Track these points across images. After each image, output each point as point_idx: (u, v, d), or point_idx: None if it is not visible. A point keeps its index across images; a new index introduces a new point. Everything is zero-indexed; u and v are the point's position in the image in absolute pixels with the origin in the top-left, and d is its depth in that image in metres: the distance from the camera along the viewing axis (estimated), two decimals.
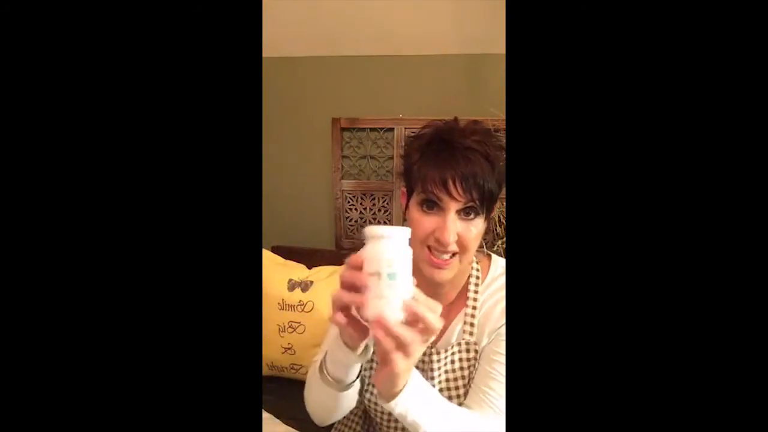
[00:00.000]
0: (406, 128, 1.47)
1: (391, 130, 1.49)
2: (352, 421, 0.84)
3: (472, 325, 0.67)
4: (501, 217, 1.37)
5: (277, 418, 0.76)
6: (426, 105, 1.46)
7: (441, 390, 0.67)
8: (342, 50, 1.48)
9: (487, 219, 0.61)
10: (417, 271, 0.69)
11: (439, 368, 0.66)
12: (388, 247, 0.44)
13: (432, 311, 0.46)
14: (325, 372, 0.61)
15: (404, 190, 0.66)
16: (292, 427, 0.73)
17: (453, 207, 0.58)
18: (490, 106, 1.32)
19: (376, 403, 0.70)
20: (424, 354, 0.67)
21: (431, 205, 0.59)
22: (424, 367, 0.67)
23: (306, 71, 1.54)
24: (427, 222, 0.59)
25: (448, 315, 0.69)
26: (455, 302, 0.70)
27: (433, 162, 0.58)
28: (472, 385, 0.66)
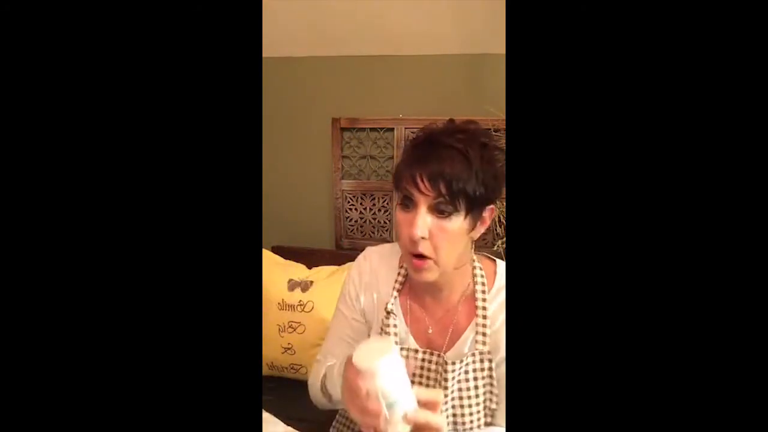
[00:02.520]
0: (406, 128, 1.47)
1: (391, 130, 1.49)
2: (351, 420, 0.84)
3: (484, 335, 0.66)
4: (501, 217, 1.37)
5: (277, 418, 0.76)
6: (426, 105, 1.46)
7: (453, 399, 0.66)
8: (342, 50, 1.48)
9: (470, 219, 0.60)
10: (409, 275, 0.70)
11: (453, 378, 0.65)
12: (382, 380, 0.46)
13: (433, 409, 0.49)
14: (326, 391, 0.63)
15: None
16: (292, 427, 0.73)
17: (423, 202, 0.58)
18: (490, 106, 1.32)
19: None
20: (439, 365, 0.67)
21: (407, 202, 0.60)
22: (438, 378, 0.66)
23: (306, 71, 1.54)
24: (404, 220, 0.60)
25: (458, 324, 0.69)
26: (463, 310, 0.69)
27: (409, 161, 0.60)
28: (499, 403, 0.66)
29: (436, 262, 0.61)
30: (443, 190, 0.57)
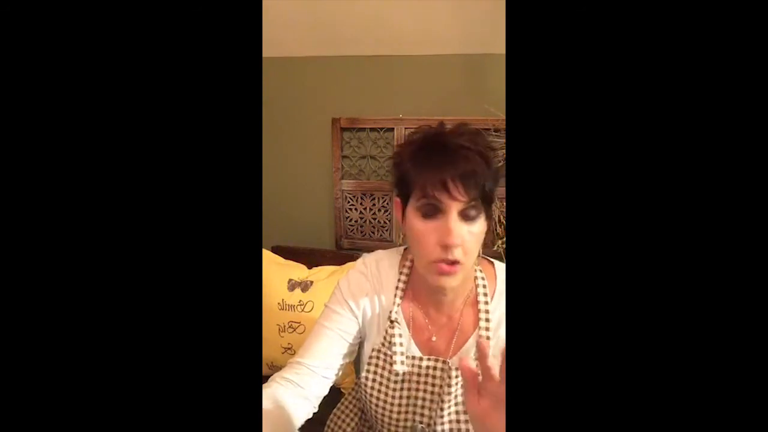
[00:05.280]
0: (406, 128, 1.47)
1: (391, 130, 1.49)
2: (349, 416, 0.84)
3: (488, 338, 0.65)
4: (501, 217, 1.37)
5: None
6: (426, 105, 1.46)
7: (456, 405, 0.66)
8: (342, 50, 1.48)
9: (488, 220, 0.60)
10: (423, 283, 0.67)
11: (457, 384, 0.65)
12: None
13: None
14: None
15: (398, 200, 0.64)
16: None
17: (454, 208, 0.56)
18: (490, 106, 1.32)
19: (383, 407, 0.69)
20: (444, 371, 0.66)
21: (432, 210, 0.57)
22: (442, 384, 0.66)
23: (306, 71, 1.54)
24: (429, 229, 0.58)
25: (462, 330, 0.68)
26: (466, 315, 0.68)
27: (429, 164, 0.57)
28: None
29: (463, 266, 0.59)
30: (476, 194, 0.56)
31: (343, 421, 0.84)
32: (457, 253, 0.57)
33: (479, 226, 0.59)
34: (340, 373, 0.71)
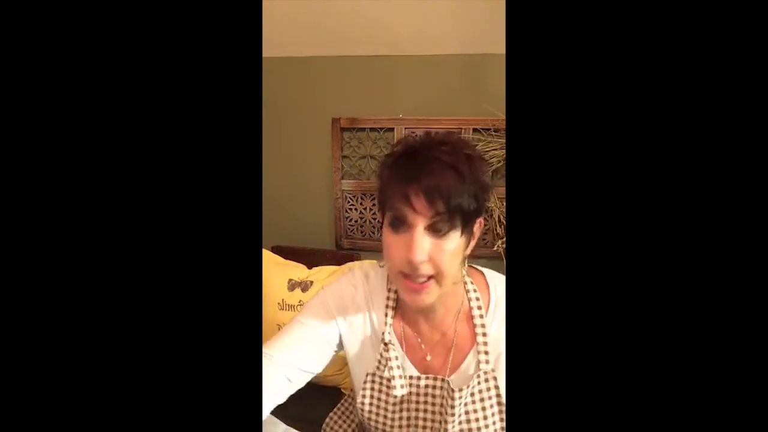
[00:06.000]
0: (406, 128, 1.47)
1: (391, 130, 1.49)
2: (347, 419, 0.83)
3: (486, 353, 0.63)
4: (501, 217, 1.37)
5: (277, 417, 0.76)
6: (426, 105, 1.46)
7: (461, 424, 0.64)
8: (342, 50, 1.48)
9: (466, 234, 0.56)
10: (400, 299, 0.66)
11: (460, 404, 0.63)
12: None
13: None
14: None
15: (382, 212, 0.61)
16: (293, 427, 0.72)
17: (419, 222, 0.53)
18: (490, 106, 1.32)
19: (376, 421, 0.68)
20: (444, 390, 0.64)
21: (398, 223, 0.55)
22: (444, 404, 0.64)
23: (306, 71, 1.54)
24: (397, 243, 0.55)
25: (458, 347, 0.65)
26: (461, 331, 0.66)
27: (398, 177, 0.55)
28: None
29: (437, 284, 0.56)
30: (441, 209, 0.52)
31: (340, 426, 0.83)
32: (424, 270, 0.54)
33: (453, 241, 0.55)
34: (305, 382, 0.66)
